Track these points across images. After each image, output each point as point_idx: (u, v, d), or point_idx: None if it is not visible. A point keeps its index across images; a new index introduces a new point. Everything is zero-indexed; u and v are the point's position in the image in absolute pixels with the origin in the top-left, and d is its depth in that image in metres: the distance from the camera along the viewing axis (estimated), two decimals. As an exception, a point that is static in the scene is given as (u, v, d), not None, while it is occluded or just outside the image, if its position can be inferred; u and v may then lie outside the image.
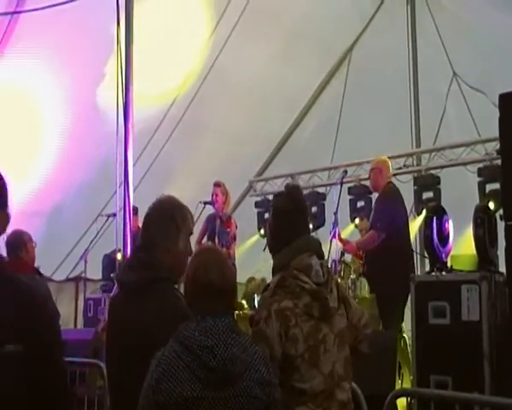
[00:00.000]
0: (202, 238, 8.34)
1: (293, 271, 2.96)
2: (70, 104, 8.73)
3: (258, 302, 10.16)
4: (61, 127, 8.92)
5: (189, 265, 2.73)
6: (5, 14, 7.37)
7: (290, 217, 3.13)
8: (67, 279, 10.53)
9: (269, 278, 3.34)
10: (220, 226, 8.11)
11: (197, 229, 8.38)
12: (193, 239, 8.44)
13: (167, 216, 3.03)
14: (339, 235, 7.33)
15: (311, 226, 3.83)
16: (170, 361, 2.43)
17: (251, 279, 10.87)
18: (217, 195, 8.15)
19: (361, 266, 7.52)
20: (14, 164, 8.97)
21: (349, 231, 10.23)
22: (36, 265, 5.60)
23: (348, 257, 9.47)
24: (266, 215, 9.62)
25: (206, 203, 8.14)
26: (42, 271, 5.42)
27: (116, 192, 6.07)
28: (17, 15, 7.44)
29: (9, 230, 5.60)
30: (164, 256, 2.95)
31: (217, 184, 8.20)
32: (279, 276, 2.98)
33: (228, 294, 2.59)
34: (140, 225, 9.85)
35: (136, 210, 6.32)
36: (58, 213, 9.52)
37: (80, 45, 8.17)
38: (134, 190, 5.73)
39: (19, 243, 5.19)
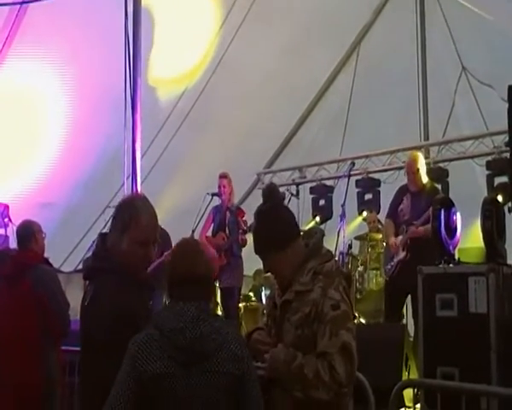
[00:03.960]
0: (208, 229, 8.32)
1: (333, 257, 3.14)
2: (78, 96, 8.75)
3: (267, 294, 10.17)
4: (70, 119, 8.95)
5: (170, 255, 2.94)
6: (13, 4, 7.40)
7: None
8: (76, 271, 10.57)
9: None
10: (231, 217, 8.13)
11: (204, 220, 8.40)
12: (197, 229, 8.29)
13: (117, 211, 3.07)
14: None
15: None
16: (145, 342, 2.61)
17: (258, 272, 10.87)
18: (224, 186, 8.16)
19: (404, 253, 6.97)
20: (22, 155, 9.03)
21: (357, 223, 10.22)
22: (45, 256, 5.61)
23: (355, 250, 9.46)
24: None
25: (213, 195, 8.18)
26: (50, 262, 5.43)
27: (124, 184, 6.09)
28: (26, 6, 7.47)
29: (19, 220, 5.61)
30: (112, 249, 3.02)
31: (223, 176, 8.22)
32: (333, 261, 3.09)
33: (201, 283, 2.74)
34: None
35: None
36: (66, 205, 9.55)
37: (88, 37, 8.19)
38: (141, 183, 5.73)
39: (28, 233, 5.20)
